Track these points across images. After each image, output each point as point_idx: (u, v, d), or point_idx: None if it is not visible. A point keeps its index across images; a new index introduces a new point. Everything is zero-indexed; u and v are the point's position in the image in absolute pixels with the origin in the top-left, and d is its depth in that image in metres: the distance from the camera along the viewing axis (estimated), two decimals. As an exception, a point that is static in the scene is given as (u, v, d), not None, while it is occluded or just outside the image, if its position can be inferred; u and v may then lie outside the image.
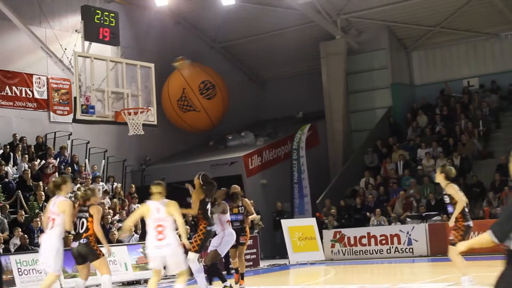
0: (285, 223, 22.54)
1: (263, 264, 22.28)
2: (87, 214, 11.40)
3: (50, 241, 10.96)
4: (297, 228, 22.54)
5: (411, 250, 22.05)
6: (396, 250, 22.17)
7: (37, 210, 19.25)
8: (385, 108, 30.03)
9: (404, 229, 22.34)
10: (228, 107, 30.15)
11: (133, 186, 24.28)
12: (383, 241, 22.48)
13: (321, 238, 23.11)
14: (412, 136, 28.28)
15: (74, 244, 11.35)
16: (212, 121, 30.03)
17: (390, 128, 29.37)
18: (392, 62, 29.91)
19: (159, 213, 10.20)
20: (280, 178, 27.73)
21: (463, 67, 29.53)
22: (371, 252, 22.64)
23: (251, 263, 21.45)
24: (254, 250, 21.78)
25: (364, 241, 22.81)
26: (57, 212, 11.02)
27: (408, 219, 23.03)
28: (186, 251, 11.66)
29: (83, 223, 11.38)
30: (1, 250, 17.07)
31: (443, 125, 27.83)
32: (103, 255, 11.43)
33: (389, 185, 25.65)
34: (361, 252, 22.79)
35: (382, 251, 22.42)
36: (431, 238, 21.91)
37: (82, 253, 11.37)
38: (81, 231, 11.38)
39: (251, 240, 21.68)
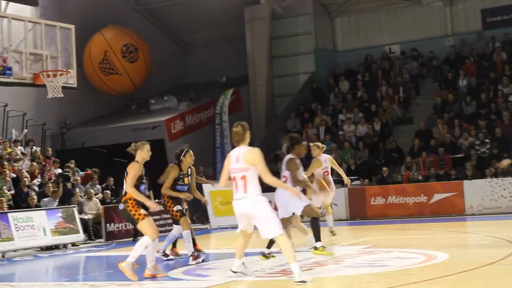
0: (207, 188, 22.51)
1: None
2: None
3: None
4: (219, 193, 22.54)
5: (331, 214, 22.29)
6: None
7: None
8: (308, 73, 30.22)
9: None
10: (150, 70, 29.83)
11: (49, 149, 23.74)
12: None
13: (243, 202, 23.18)
14: (334, 102, 28.57)
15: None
16: (135, 85, 29.69)
17: (313, 93, 29.59)
18: (315, 28, 30.06)
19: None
20: (202, 143, 27.67)
21: (385, 33, 29.90)
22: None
23: (171, 228, 21.39)
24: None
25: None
26: None
27: (328, 184, 23.25)
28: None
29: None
30: None
31: (364, 91, 28.18)
32: (144, 217, 10.59)
33: (310, 150, 25.83)
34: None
35: (303, 216, 22.62)
36: (350, 202, 22.26)
37: (125, 218, 11.34)
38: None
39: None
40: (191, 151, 12.88)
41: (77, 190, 20.74)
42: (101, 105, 29.98)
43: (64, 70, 17.77)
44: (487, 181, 20.73)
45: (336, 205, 22.23)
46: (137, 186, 10.62)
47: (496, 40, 27.44)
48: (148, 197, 11.43)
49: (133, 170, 10.57)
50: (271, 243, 12.03)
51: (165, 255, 13.41)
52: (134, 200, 10.59)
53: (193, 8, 30.75)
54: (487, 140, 22.72)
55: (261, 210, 8.98)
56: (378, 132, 25.90)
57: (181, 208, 12.93)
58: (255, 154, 9.10)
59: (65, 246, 18.59)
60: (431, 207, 20.99)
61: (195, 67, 32.78)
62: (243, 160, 9.08)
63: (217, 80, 31.20)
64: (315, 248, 12.06)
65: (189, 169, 12.87)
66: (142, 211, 10.63)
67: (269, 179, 9.05)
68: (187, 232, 12.72)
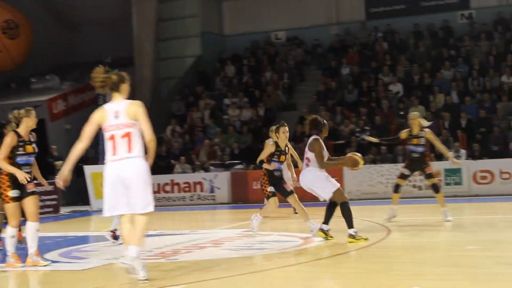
0: (88, 169, 22.15)
1: (64, 210, 21.85)
2: None
3: None
4: (101, 175, 22.14)
5: (213, 197, 22.42)
6: (199, 197, 22.47)
7: None
8: (194, 57, 30.11)
9: (207, 177, 22.67)
10: (32, 48, 28.96)
11: None
12: (186, 189, 22.71)
13: (125, 185, 22.94)
14: (220, 86, 28.60)
15: None
16: (15, 62, 28.75)
17: (198, 77, 29.53)
18: (202, 11, 29.97)
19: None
20: (85, 124, 27.11)
21: (271, 20, 30.08)
22: (174, 199, 22.80)
23: (51, 209, 20.99)
24: (55, 196, 21.29)
25: (168, 188, 22.94)
26: None
27: (211, 167, 23.36)
28: None
29: None
30: None
31: (250, 76, 28.35)
32: (10, 201, 9.65)
33: (195, 133, 25.85)
34: (164, 199, 22.88)
35: (185, 198, 22.65)
36: (233, 186, 22.40)
37: None
38: None
39: (52, 186, 21.18)
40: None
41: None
42: (-22, 82, 28.97)
43: None
44: (366, 167, 21.27)
45: (219, 188, 22.38)
46: (13, 158, 9.66)
47: (378, 30, 28.13)
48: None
49: (7, 139, 9.66)
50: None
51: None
52: (7, 174, 9.63)
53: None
54: (367, 128, 23.31)
55: (142, 178, 7.75)
56: (262, 117, 26.13)
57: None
58: (140, 107, 7.94)
59: None
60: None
61: (80, 47, 32.01)
62: (125, 115, 7.86)
63: (102, 60, 30.61)
64: (351, 236, 10.56)
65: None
66: (12, 193, 9.63)
67: (152, 137, 7.81)
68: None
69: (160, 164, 24.45)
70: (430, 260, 8.82)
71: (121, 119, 7.87)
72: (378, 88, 25.40)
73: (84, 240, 13.88)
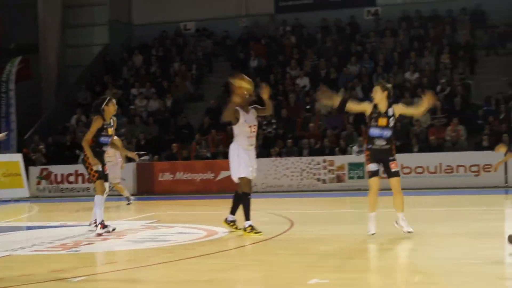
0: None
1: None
2: None
3: None
4: (2, 164, 21.67)
5: (119, 188, 22.14)
6: (104, 188, 22.14)
7: None
8: (102, 45, 29.69)
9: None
10: None
11: None
12: (89, 180, 22.35)
13: (27, 174, 22.45)
14: (127, 76, 28.29)
15: None
16: None
17: (106, 66, 29.11)
18: (111, -1, 29.57)
19: None
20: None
21: (181, 10, 29.92)
22: (77, 190, 22.43)
23: None
24: None
25: (72, 178, 22.56)
26: None
27: (117, 158, 23.03)
28: None
29: None
30: None
31: (158, 67, 28.13)
32: None
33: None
34: (67, 189, 22.49)
35: (89, 189, 22.31)
36: (138, 177, 22.20)
37: None
38: None
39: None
40: (114, 99, 11.48)
41: None
42: None
43: None
44: (271, 160, 21.44)
45: (124, 179, 22.11)
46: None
47: (287, 24, 28.36)
48: None
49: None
50: None
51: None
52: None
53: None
54: (273, 121, 23.47)
55: None
56: (170, 108, 25.98)
57: (101, 169, 11.30)
58: None
59: None
60: (217, 184, 21.41)
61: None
62: None
63: (5, 46, 29.79)
64: (246, 228, 10.58)
65: (111, 120, 11.36)
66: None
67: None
68: (99, 197, 11.31)
69: (65, 154, 24.04)
70: (332, 252, 8.96)
71: None
72: (285, 81, 25.61)
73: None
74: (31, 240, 10.83)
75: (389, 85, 10.14)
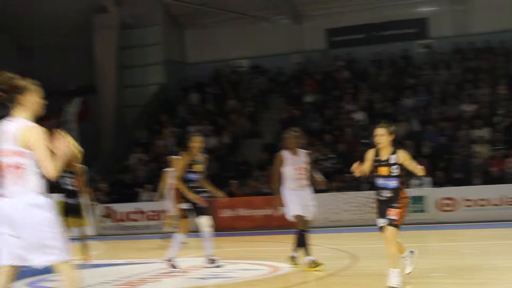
0: (54, 197, 21.97)
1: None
2: None
3: None
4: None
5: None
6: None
7: None
8: (157, 84, 30.17)
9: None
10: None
11: None
12: (153, 217, 22.64)
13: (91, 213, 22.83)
14: (184, 114, 28.66)
15: None
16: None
17: (162, 105, 29.56)
18: (165, 39, 30.12)
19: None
20: (48, 152, 26.94)
21: (234, 48, 30.28)
22: (139, 228, 22.72)
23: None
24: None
25: (133, 216, 22.86)
26: None
27: (177, 196, 23.31)
28: None
29: None
30: None
31: (213, 104, 28.46)
32: None
33: (160, 161, 25.81)
34: (129, 227, 22.79)
35: (151, 226, 22.56)
36: (198, 214, 22.36)
37: None
38: None
39: None
40: (198, 135, 11.67)
41: None
42: None
43: None
44: (331, 195, 21.42)
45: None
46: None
47: (339, 59, 28.49)
48: None
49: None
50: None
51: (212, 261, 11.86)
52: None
53: (37, 12, 29.70)
54: (331, 155, 23.51)
55: (37, 218, 5.75)
56: (227, 144, 26.23)
57: (186, 207, 11.49)
58: (36, 133, 5.82)
59: None
60: (278, 219, 21.42)
61: (38, 75, 31.48)
62: (19, 140, 5.84)
63: (64, 88, 30.46)
64: (308, 264, 10.76)
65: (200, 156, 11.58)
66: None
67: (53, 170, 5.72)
68: (180, 236, 11.57)
69: (126, 192, 24.42)
70: None
71: (9, 145, 5.91)
72: (340, 116, 25.68)
73: (50, 270, 13.76)
74: (96, 277, 11.04)
75: (394, 128, 8.91)
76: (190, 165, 11.38)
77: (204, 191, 12.77)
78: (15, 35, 31.65)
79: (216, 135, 26.51)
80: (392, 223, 8.47)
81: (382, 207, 8.62)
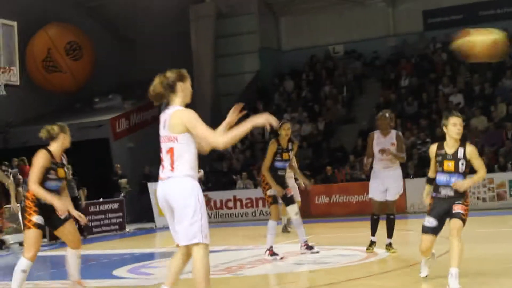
0: (152, 187, 22.48)
1: (129, 228, 22.19)
2: None
3: None
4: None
5: (276, 212, 22.50)
6: (261, 213, 22.56)
7: None
8: (253, 72, 30.34)
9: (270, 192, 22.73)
10: (95, 68, 29.61)
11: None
12: (249, 204, 22.85)
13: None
14: (279, 101, 28.76)
15: None
16: (79, 83, 29.44)
17: (258, 92, 29.73)
18: (260, 27, 30.23)
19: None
20: (148, 142, 27.52)
21: (328, 33, 30.11)
22: (236, 215, 22.98)
23: (117, 226, 21.36)
24: (120, 214, 21.64)
25: (230, 204, 23.14)
26: None
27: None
28: None
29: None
30: None
31: (308, 91, 28.44)
32: (32, 226, 8.01)
33: (256, 149, 26.03)
34: (226, 215, 23.08)
35: (248, 214, 22.80)
36: (295, 201, 22.46)
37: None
38: None
39: (118, 204, 21.58)
40: (288, 123, 11.71)
41: (20, 189, 20.47)
42: (44, 103, 29.59)
43: (7, 67, 17.60)
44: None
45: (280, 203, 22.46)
46: (43, 182, 8.07)
47: (436, 41, 27.95)
48: (78, 199, 9.12)
49: (38, 160, 8.11)
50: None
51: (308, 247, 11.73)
52: (35, 199, 8.04)
53: (138, 5, 30.54)
54: (428, 140, 23.15)
55: (184, 202, 6.15)
56: (322, 131, 26.18)
57: (274, 193, 11.40)
58: (185, 114, 6.32)
59: (7, 246, 18.34)
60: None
61: (140, 65, 32.42)
62: (169, 125, 6.35)
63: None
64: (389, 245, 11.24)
65: (290, 144, 11.55)
66: (36, 218, 7.99)
67: (219, 140, 6.25)
68: (272, 222, 11.42)
69: (222, 180, 24.73)
70: (497, 272, 8.78)
71: (165, 131, 6.37)
72: (438, 99, 25.21)
73: (150, 256, 14.14)
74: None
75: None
76: (278, 153, 11.40)
77: (293, 179, 12.82)
78: (117, 27, 32.50)
79: (311, 122, 26.49)
80: (461, 217, 7.70)
81: (440, 205, 7.81)
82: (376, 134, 11.18)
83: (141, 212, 24.57)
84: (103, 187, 23.89)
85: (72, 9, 30.72)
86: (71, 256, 8.41)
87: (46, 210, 8.02)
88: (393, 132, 11.17)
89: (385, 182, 11.11)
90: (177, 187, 6.14)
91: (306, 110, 27.31)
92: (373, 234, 11.35)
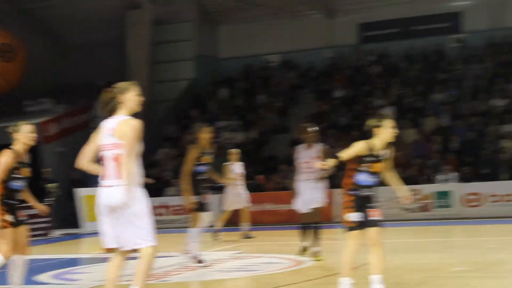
0: (79, 192, 22.18)
1: (55, 233, 21.80)
2: None
3: None
4: (94, 197, 22.22)
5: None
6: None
7: None
8: (188, 79, 30.25)
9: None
10: (26, 71, 29.07)
11: None
12: (179, 211, 22.71)
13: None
14: (213, 109, 28.72)
15: None
16: (9, 85, 28.86)
17: (193, 100, 29.64)
18: (198, 35, 30.17)
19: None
20: (79, 147, 27.02)
21: (266, 43, 30.22)
22: (165, 222, 22.81)
23: (42, 232, 20.97)
24: (46, 219, 21.21)
25: (159, 211, 22.95)
26: None
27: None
28: None
29: None
30: None
31: (243, 99, 28.49)
32: (8, 225, 8.15)
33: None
34: (157, 221, 22.83)
35: (176, 221, 22.60)
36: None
37: None
38: None
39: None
40: (207, 127, 11.71)
41: None
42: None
43: None
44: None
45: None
46: (7, 181, 8.18)
47: (371, 54, 28.32)
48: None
49: (2, 159, 8.15)
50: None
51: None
52: (3, 200, 8.16)
53: (74, 10, 30.08)
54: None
55: (135, 207, 6.53)
56: (255, 139, 26.23)
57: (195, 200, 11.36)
58: (131, 125, 6.63)
59: None
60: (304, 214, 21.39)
61: (75, 70, 32.05)
62: (117, 133, 6.63)
63: (96, 83, 30.70)
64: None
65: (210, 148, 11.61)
66: (9, 217, 8.17)
67: (128, 166, 6.53)
68: (193, 229, 11.31)
69: (152, 187, 24.51)
70: (417, 281, 8.89)
71: (112, 139, 6.63)
72: (369, 111, 25.50)
73: (75, 262, 13.94)
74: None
75: None
76: (198, 157, 11.39)
77: (241, 187, 12.93)
78: (52, 30, 32.01)
79: (245, 130, 26.52)
80: (379, 225, 7.68)
81: (361, 203, 7.73)
82: (302, 147, 11.58)
83: (68, 217, 24.14)
84: (31, 191, 23.41)
85: (5, 11, 30.14)
86: (19, 260, 8.32)
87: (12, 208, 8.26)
88: (319, 145, 11.38)
89: (309, 193, 11.31)
90: (126, 194, 6.43)
91: (240, 118, 27.33)
92: (304, 240, 11.70)
